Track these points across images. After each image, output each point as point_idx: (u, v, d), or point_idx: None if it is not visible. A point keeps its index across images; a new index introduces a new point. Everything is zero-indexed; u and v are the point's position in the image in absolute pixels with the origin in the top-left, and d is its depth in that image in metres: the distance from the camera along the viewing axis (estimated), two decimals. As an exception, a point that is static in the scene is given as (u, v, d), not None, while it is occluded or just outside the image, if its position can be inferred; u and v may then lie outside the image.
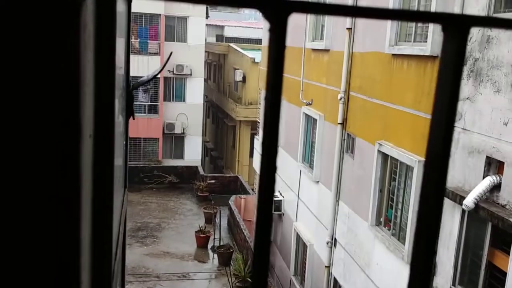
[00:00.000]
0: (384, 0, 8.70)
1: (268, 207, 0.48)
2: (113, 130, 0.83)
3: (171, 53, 3.24)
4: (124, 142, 1.63)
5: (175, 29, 25.53)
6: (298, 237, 12.96)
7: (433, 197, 0.54)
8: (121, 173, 1.50)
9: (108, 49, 0.74)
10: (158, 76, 24.12)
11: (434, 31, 7.20)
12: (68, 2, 0.46)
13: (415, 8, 7.99)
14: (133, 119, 1.72)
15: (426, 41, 7.56)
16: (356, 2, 9.93)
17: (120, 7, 1.30)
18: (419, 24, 7.95)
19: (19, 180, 0.50)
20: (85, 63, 0.54)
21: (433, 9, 7.22)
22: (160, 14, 24.61)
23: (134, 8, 24.42)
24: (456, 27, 0.52)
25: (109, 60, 0.75)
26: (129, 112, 1.68)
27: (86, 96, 0.57)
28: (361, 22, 9.80)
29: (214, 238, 17.19)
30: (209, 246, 17.36)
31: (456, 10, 6.67)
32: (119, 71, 1.43)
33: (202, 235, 17.23)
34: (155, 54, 24.48)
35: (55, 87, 0.48)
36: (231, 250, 16.37)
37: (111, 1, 0.75)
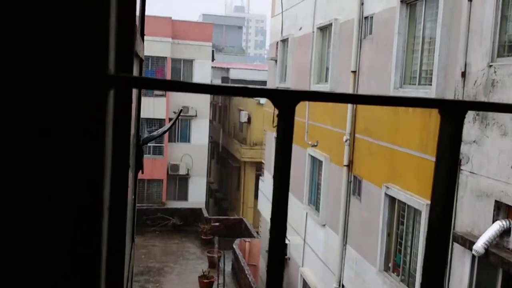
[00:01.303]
0: (387, 49, 8.87)
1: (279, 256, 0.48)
2: (126, 202, 0.85)
3: (181, 110, 3.30)
4: (133, 197, 1.64)
5: (181, 72, 26.00)
6: (305, 283, 12.69)
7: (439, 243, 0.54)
8: (129, 228, 1.50)
9: (124, 131, 0.78)
10: (164, 117, 24.38)
11: (439, 75, 7.29)
12: (95, 95, 0.49)
13: (419, 54, 8.12)
14: (142, 173, 1.74)
15: (430, 84, 7.64)
16: (360, 49, 10.12)
17: (136, 67, 1.35)
18: (424, 67, 8.08)
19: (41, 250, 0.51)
20: (108, 144, 0.56)
21: (436, 55, 7.33)
22: (166, 57, 25.14)
23: (142, 52, 24.94)
24: (452, 112, 0.53)
25: (124, 142, 0.78)
26: (139, 166, 1.69)
27: (106, 172, 0.59)
28: (366, 65, 9.95)
29: (218, 284, 16.84)
30: (213, 291, 16.99)
31: (460, 55, 6.78)
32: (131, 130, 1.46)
33: (205, 281, 16.88)
34: (161, 96, 24.84)
35: (82, 168, 0.51)
36: (236, 296, 16.02)
37: (128, 92, 0.79)
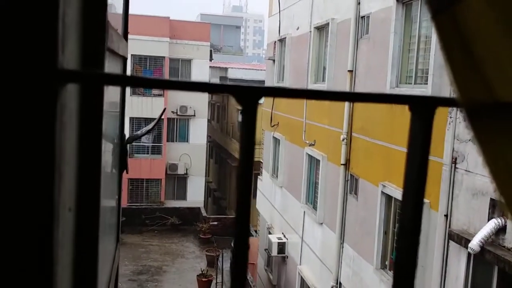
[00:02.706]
0: (384, 49, 8.88)
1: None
2: (98, 200, 0.84)
3: (164, 109, 3.31)
4: (117, 197, 1.64)
5: (179, 71, 25.97)
6: (303, 281, 12.70)
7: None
8: (113, 229, 1.49)
9: (93, 128, 0.77)
10: (162, 117, 24.36)
11: (435, 74, 7.29)
12: (44, 88, 0.48)
13: (415, 54, 8.13)
14: (127, 172, 1.73)
15: (426, 83, 7.65)
16: (357, 49, 10.12)
17: (116, 65, 1.34)
18: (420, 67, 8.08)
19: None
20: (63, 142, 0.55)
21: (432, 54, 7.34)
22: (164, 57, 25.11)
23: (139, 51, 24.95)
24: (423, 108, 0.53)
25: (95, 137, 0.77)
26: (123, 166, 1.69)
27: (65, 173, 0.58)
28: (362, 65, 9.96)
29: (216, 282, 16.86)
30: (212, 290, 17.01)
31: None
32: (113, 124, 1.46)
33: (204, 279, 16.90)
34: (159, 95, 24.82)
35: (26, 166, 0.50)
36: (234, 294, 16.01)
37: (97, 89, 0.78)
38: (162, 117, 25.12)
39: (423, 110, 0.55)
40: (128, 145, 1.77)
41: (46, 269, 0.51)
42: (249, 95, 0.50)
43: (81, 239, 0.70)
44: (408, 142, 0.57)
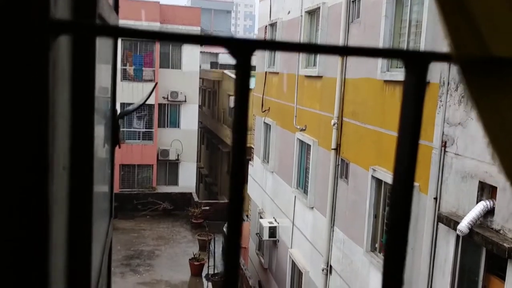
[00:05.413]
0: (375, 33, 8.86)
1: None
2: (91, 161, 0.84)
3: (156, 84, 3.30)
4: (110, 171, 1.64)
5: (170, 56, 25.77)
6: (294, 264, 12.83)
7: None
8: (106, 202, 1.49)
9: (86, 81, 0.76)
10: (153, 102, 24.22)
11: (424, 58, 7.31)
12: (35, 41, 0.47)
13: (406, 38, 8.13)
14: (119, 147, 1.73)
15: (416, 68, 7.66)
16: (348, 33, 10.10)
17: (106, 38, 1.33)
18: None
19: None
20: (56, 96, 0.55)
21: (422, 38, 7.34)
22: (155, 42, 24.87)
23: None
24: (416, 63, 0.53)
25: (88, 91, 0.76)
26: (115, 140, 1.68)
27: (58, 128, 0.57)
28: (353, 49, 9.94)
29: (208, 266, 16.99)
30: (204, 274, 17.13)
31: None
32: (105, 99, 1.45)
33: (196, 263, 17.02)
34: (150, 81, 24.64)
35: (18, 122, 0.49)
36: (226, 277, 16.16)
37: (89, 39, 0.77)
38: (153, 102, 24.88)
39: (416, 65, 0.56)
40: (120, 120, 1.77)
41: (41, 224, 0.51)
42: (243, 47, 0.50)
43: (75, 197, 0.70)
44: (402, 99, 0.57)
